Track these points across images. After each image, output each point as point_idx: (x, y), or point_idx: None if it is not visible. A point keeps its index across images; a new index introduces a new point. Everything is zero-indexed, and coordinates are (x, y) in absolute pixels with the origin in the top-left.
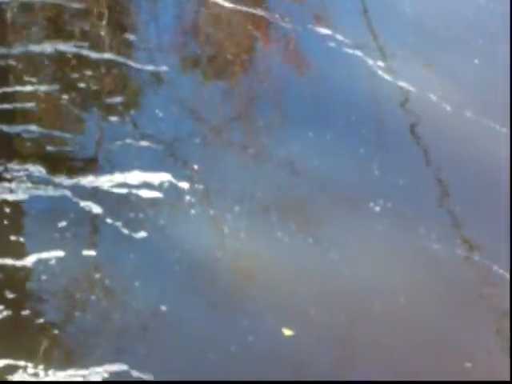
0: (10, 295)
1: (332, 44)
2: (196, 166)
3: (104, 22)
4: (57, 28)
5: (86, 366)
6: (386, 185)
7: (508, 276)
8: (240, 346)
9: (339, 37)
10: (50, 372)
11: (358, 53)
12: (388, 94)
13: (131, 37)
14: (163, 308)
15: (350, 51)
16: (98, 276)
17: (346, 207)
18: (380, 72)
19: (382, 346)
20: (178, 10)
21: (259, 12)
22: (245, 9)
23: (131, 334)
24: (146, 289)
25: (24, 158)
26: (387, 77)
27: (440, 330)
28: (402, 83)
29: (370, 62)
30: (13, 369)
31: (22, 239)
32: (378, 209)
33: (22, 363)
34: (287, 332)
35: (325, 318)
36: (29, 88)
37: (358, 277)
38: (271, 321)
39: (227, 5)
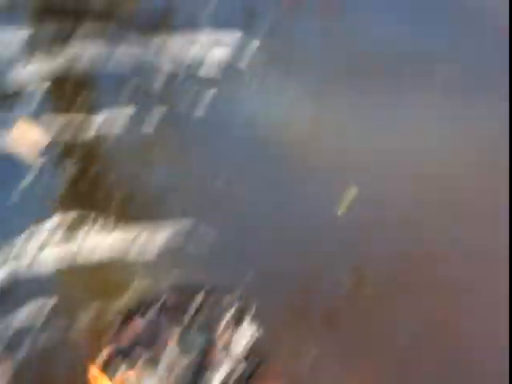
0: (80, 151)
1: None
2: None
3: None
4: None
5: (154, 222)
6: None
7: None
8: (295, 217)
9: None
10: (119, 226)
11: None
12: None
13: None
14: (223, 178)
15: None
16: (164, 137)
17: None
18: None
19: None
20: None
21: None
22: None
23: (199, 193)
24: (208, 154)
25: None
26: None
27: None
28: None
29: None
30: (82, 222)
31: (90, 97)
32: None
33: (91, 217)
34: (345, 204)
35: (381, 194)
36: None
37: (424, 137)
38: (329, 192)
39: None
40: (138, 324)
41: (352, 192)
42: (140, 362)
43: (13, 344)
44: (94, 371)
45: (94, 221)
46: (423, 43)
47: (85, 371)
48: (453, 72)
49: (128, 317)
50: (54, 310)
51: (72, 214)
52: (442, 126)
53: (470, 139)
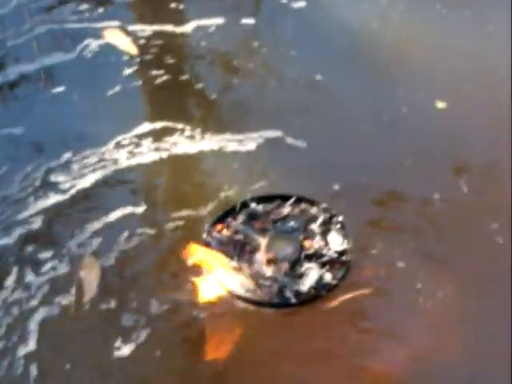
0: (169, 60)
1: None
2: None
3: None
4: None
5: (241, 131)
6: None
7: None
8: (393, 116)
9: None
10: (207, 135)
11: None
12: None
13: None
14: (318, 77)
15: None
16: (255, 44)
17: None
18: None
19: None
20: None
21: None
22: None
23: (287, 103)
24: (302, 58)
25: None
26: None
27: None
28: None
29: None
30: (171, 131)
31: (182, 6)
32: None
33: (179, 126)
34: (440, 104)
35: (479, 93)
36: None
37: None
38: (425, 93)
39: None
40: (226, 232)
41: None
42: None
43: (101, 250)
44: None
45: (182, 131)
46: None
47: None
48: None
49: (216, 225)
50: (142, 218)
51: (160, 124)
52: None
53: None
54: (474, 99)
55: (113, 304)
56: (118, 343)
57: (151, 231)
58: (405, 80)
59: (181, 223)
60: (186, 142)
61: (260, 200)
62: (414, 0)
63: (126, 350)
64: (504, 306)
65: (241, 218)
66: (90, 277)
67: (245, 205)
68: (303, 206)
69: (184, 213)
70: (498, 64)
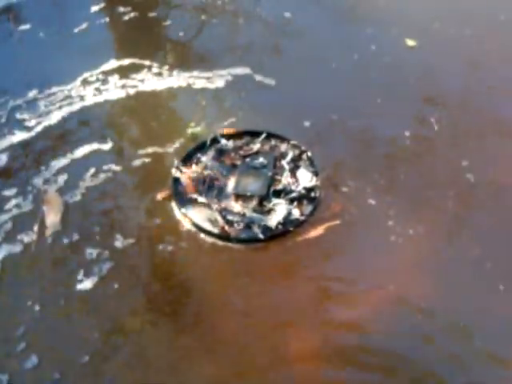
0: None
1: None
2: None
3: None
4: None
5: (210, 68)
6: None
7: None
8: (363, 54)
9: None
10: (175, 72)
11: None
12: None
13: None
14: (287, 15)
15: None
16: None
17: None
18: None
19: (507, 55)
20: None
21: None
22: None
23: (255, 41)
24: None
25: None
26: None
27: None
28: None
29: None
30: (138, 67)
31: None
32: None
33: (147, 63)
34: (410, 42)
35: (448, 31)
36: None
37: None
38: (395, 31)
39: None
40: (196, 167)
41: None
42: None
43: (67, 187)
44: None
45: (150, 67)
46: None
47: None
48: None
49: (186, 160)
50: (109, 155)
51: (128, 61)
52: None
53: None
54: (444, 36)
55: (76, 238)
56: (80, 276)
57: (118, 168)
58: (374, 19)
59: (147, 160)
60: (154, 79)
61: (230, 136)
62: None
63: (88, 283)
64: (472, 244)
65: (211, 153)
66: (53, 212)
67: (215, 140)
68: (273, 142)
69: (151, 149)
70: (467, 2)
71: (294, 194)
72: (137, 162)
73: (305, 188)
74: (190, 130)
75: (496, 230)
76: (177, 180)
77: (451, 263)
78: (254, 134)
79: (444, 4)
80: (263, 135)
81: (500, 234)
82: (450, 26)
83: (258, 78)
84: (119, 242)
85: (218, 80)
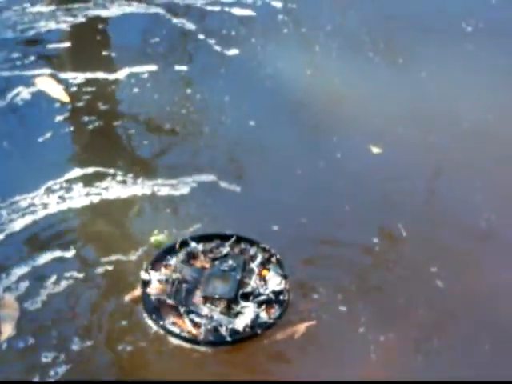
0: (102, 107)
1: None
2: None
3: None
4: None
5: (174, 176)
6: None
7: None
8: (328, 162)
9: None
10: (139, 180)
11: None
12: None
13: None
14: (252, 123)
15: None
16: (189, 91)
17: (437, 30)
18: None
19: (467, 161)
20: None
21: None
22: None
23: (220, 148)
24: (236, 105)
25: None
26: None
27: None
28: None
29: None
30: (102, 176)
31: (114, 54)
32: (469, 29)
33: (111, 171)
34: (375, 149)
35: (413, 135)
36: None
37: (445, 96)
38: (359, 138)
39: None
40: (165, 270)
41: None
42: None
43: (28, 292)
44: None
45: (114, 176)
46: None
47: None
48: None
49: (155, 263)
50: (72, 263)
51: (92, 169)
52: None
53: None
54: (408, 143)
55: (31, 342)
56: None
57: (80, 275)
58: (339, 126)
59: (110, 268)
60: (118, 187)
61: (200, 239)
62: (346, 49)
63: None
64: (443, 352)
65: (180, 256)
66: (8, 317)
67: (185, 244)
68: (243, 245)
69: (114, 257)
70: (430, 108)
71: (262, 297)
72: (100, 270)
73: (273, 291)
74: (153, 238)
75: (467, 338)
76: (145, 282)
77: (421, 370)
78: (224, 238)
79: (408, 111)
80: (233, 238)
81: (471, 341)
82: (414, 132)
83: (224, 184)
84: (76, 346)
85: (182, 187)
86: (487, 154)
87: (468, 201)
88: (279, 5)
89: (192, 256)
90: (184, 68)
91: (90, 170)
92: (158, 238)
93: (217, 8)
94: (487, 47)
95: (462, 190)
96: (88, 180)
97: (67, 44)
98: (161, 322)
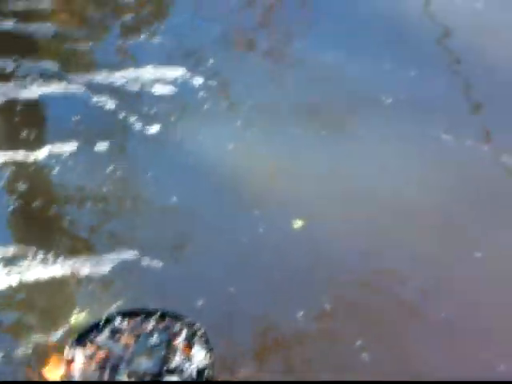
0: (21, 187)
1: None
2: None
3: None
4: None
5: (96, 253)
6: (397, 77)
7: None
8: (251, 236)
9: None
10: (60, 259)
11: None
12: None
13: None
14: (174, 199)
15: None
16: (110, 168)
17: (358, 101)
18: None
19: (391, 234)
20: None
21: None
22: None
23: (142, 224)
24: (157, 181)
25: (38, 55)
26: None
27: (448, 217)
28: None
29: None
30: (23, 255)
31: (34, 133)
32: (389, 101)
33: (32, 250)
34: (298, 223)
35: (336, 210)
36: None
37: (368, 169)
38: (282, 212)
39: None
40: (90, 347)
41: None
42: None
43: None
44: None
45: (35, 255)
46: None
47: None
48: None
49: (78, 341)
50: None
51: (12, 248)
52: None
53: None
54: (332, 217)
55: None
56: None
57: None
58: (261, 200)
59: (29, 350)
60: (39, 267)
61: (124, 316)
62: (270, 123)
63: None
64: None
65: (105, 333)
66: None
67: (109, 320)
68: (167, 321)
69: (33, 338)
70: (353, 182)
71: (186, 373)
72: (18, 351)
73: (198, 367)
74: (74, 317)
75: None
76: (69, 361)
77: None
78: (148, 314)
79: (330, 185)
80: (157, 314)
81: None
82: (336, 206)
83: (147, 260)
84: None
85: (104, 264)
86: (410, 226)
87: (395, 272)
88: (199, 82)
89: (116, 332)
90: (104, 147)
91: (11, 249)
92: (79, 317)
93: (137, 86)
94: (408, 118)
95: (387, 262)
96: (8, 260)
97: None
98: None
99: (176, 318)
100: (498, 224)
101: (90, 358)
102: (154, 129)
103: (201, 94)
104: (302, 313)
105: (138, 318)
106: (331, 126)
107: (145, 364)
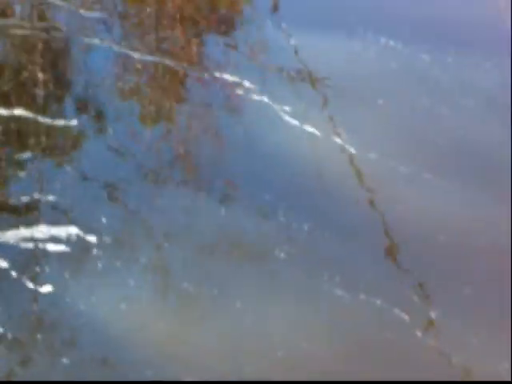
0: None
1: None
2: None
3: None
4: None
5: None
6: (290, 231)
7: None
8: None
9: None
10: None
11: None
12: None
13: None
14: (65, 361)
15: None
16: (0, 330)
17: (251, 256)
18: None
19: None
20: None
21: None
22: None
23: None
24: (48, 343)
25: None
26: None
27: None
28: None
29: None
30: None
31: None
32: (282, 255)
33: None
34: None
35: (226, 369)
36: None
37: (261, 326)
38: (171, 371)
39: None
40: None
41: None
42: None
43: None
44: None
45: None
46: None
47: None
48: None
49: None
50: None
51: None
52: None
53: None
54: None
55: None
56: None
57: None
58: (149, 359)
59: None
60: None
61: None
62: (158, 283)
63: None
64: None
65: None
66: None
67: None
68: None
69: None
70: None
71: None
72: None
73: None
74: None
75: None
76: None
77: None
78: None
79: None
80: None
81: None
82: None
83: None
84: None
85: None
86: None
87: None
88: (93, 240)
89: None
90: None
91: None
92: None
93: (30, 245)
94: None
95: None
96: None
97: None
98: None
99: None
100: None
101: None
102: (46, 288)
103: (94, 251)
104: None
105: None
106: (222, 281)
107: None
